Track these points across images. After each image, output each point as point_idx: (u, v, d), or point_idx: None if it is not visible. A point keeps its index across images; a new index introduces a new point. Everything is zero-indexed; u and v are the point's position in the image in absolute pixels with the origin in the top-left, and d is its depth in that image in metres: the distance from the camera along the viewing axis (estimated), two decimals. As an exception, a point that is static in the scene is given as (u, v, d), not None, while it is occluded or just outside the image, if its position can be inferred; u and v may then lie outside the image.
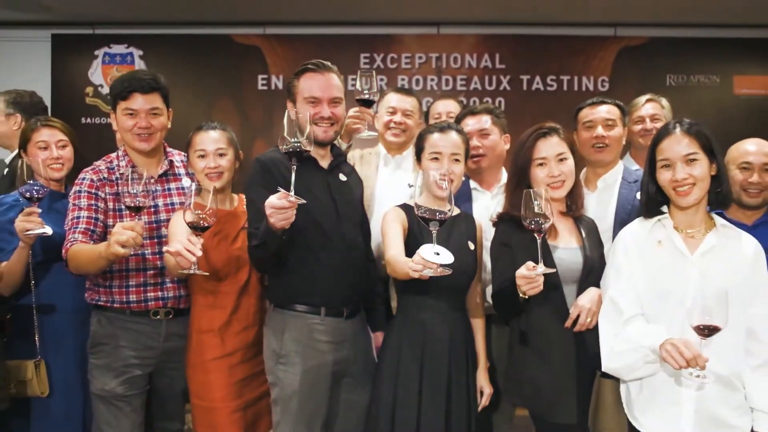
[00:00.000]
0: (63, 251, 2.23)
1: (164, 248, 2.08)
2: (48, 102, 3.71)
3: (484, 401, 2.27)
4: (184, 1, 4.62)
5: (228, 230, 2.34)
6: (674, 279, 1.88)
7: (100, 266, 2.17)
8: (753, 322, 1.86)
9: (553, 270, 1.97)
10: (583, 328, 2.04)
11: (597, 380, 2.06)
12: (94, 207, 2.28)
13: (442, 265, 1.77)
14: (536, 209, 1.91)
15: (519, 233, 2.07)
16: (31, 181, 2.25)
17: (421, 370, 2.13)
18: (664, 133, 1.95)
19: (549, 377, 2.06)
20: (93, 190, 2.30)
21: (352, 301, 2.27)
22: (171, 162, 2.48)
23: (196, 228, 2.01)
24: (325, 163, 2.29)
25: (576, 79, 5.01)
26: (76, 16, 4.92)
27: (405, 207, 2.23)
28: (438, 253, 1.77)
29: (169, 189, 2.44)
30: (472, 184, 2.64)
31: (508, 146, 2.63)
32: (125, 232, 1.96)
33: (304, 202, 1.92)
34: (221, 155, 2.34)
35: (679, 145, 1.90)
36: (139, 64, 5.03)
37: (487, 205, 2.56)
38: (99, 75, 5.02)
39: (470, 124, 2.57)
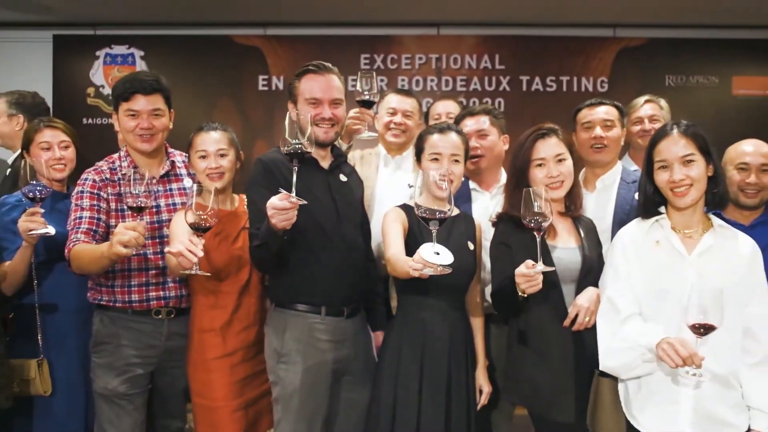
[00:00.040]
0: (66, 251, 2.24)
1: (166, 249, 2.10)
2: (49, 102, 3.71)
3: (483, 400, 2.29)
4: (185, 2, 4.63)
5: (229, 230, 2.36)
6: (672, 279, 1.90)
7: (102, 266, 2.18)
8: (750, 322, 1.88)
9: (552, 268, 1.98)
10: (582, 328, 2.06)
11: (595, 379, 2.07)
12: (96, 207, 2.30)
13: (442, 265, 1.78)
14: (536, 208, 1.93)
15: (518, 233, 2.09)
16: (34, 182, 2.26)
17: (421, 369, 2.14)
18: (661, 134, 1.97)
19: (548, 376, 2.07)
20: (95, 191, 2.31)
21: (353, 301, 2.28)
22: (173, 162, 2.49)
23: (197, 229, 2.02)
24: (325, 164, 2.30)
25: (575, 79, 5.02)
26: (78, 17, 4.93)
27: (405, 207, 2.25)
28: (438, 253, 1.79)
29: (170, 189, 2.45)
30: (472, 184, 2.65)
31: (506, 147, 2.64)
32: (127, 232, 1.98)
33: (306, 203, 1.94)
34: (222, 156, 2.36)
35: (676, 147, 1.91)
36: (141, 65, 5.04)
37: (486, 206, 2.57)
38: (100, 75, 5.03)
39: (469, 124, 2.58)
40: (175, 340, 2.37)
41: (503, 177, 2.64)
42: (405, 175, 2.81)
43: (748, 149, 2.52)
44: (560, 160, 2.17)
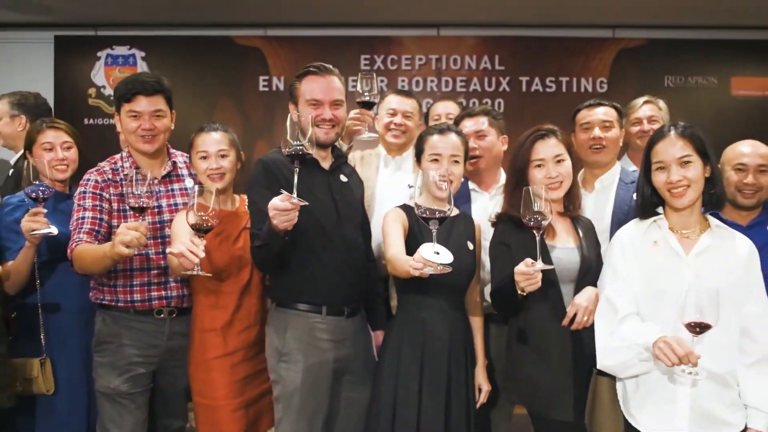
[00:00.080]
0: (68, 251, 2.25)
1: (167, 249, 2.11)
2: (51, 103, 3.73)
3: (482, 398, 2.30)
4: (186, 3, 4.64)
5: (230, 230, 2.37)
6: (669, 279, 1.91)
7: (104, 266, 2.19)
8: (747, 321, 1.89)
9: (551, 267, 1.99)
10: (580, 327, 2.07)
11: (594, 378, 2.09)
12: (98, 207, 2.31)
13: (442, 264, 1.80)
14: (535, 207, 1.94)
15: (517, 233, 2.10)
16: (37, 182, 2.28)
17: (421, 368, 2.16)
18: (658, 135, 1.98)
19: (547, 375, 2.08)
20: (97, 191, 2.33)
21: (353, 301, 2.30)
22: (174, 163, 2.51)
23: (199, 230, 2.03)
24: (326, 165, 2.32)
25: (575, 80, 5.02)
26: (79, 18, 4.93)
27: (405, 207, 2.26)
28: (438, 252, 1.81)
29: (172, 190, 2.47)
30: (471, 185, 2.66)
31: (505, 147, 2.66)
32: (129, 233, 1.99)
33: (307, 203, 1.94)
34: (223, 156, 2.37)
35: (673, 148, 1.93)
36: (142, 66, 5.04)
37: (486, 206, 2.58)
38: (102, 76, 5.04)
39: (468, 125, 2.60)
40: (176, 340, 2.38)
41: (502, 177, 2.65)
42: (405, 175, 2.82)
43: (745, 150, 2.53)
44: (559, 161, 2.18)
